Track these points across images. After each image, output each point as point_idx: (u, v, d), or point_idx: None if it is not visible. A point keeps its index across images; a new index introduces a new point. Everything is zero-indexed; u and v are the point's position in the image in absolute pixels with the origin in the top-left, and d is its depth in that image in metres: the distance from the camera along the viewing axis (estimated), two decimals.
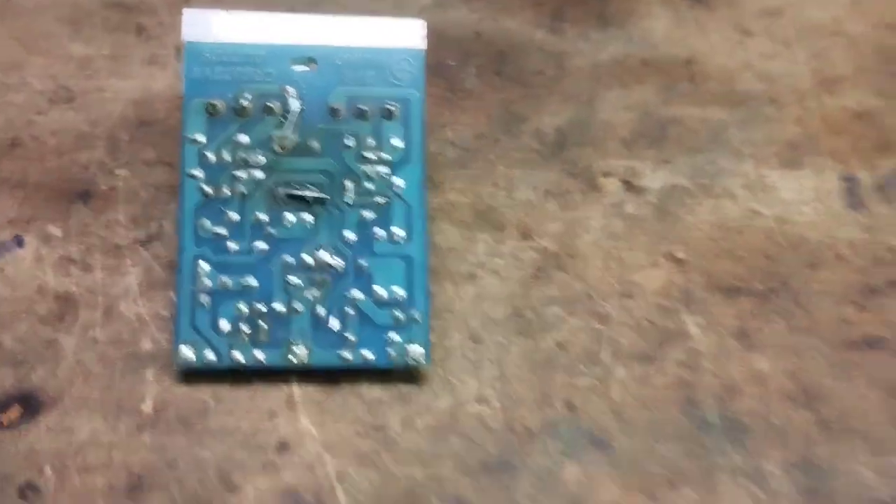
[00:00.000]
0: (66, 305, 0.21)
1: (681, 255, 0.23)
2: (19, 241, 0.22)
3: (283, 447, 0.19)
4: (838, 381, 0.20)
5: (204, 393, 0.19)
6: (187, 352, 0.19)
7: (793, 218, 0.24)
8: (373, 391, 0.20)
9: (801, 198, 0.25)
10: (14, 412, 0.19)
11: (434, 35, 0.28)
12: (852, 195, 0.25)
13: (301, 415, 0.19)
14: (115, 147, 0.24)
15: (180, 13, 0.25)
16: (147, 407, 0.19)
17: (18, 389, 0.19)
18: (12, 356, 0.20)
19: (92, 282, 0.21)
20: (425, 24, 0.21)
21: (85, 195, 0.23)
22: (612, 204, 0.24)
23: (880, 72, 0.28)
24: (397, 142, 0.20)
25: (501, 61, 0.28)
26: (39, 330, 0.20)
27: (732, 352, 0.21)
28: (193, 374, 0.20)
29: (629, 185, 0.25)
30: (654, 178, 0.25)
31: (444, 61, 0.27)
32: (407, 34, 0.20)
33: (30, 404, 0.19)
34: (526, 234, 0.23)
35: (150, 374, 0.20)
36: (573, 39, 0.29)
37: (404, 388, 0.20)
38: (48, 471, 0.18)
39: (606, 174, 0.25)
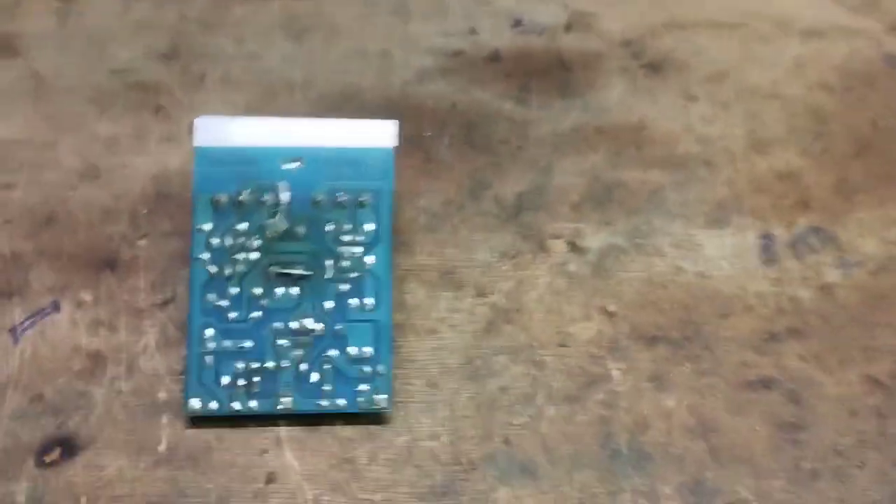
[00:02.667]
0: (96, 362, 0.25)
1: (612, 307, 0.27)
2: (56, 306, 0.27)
3: (271, 478, 0.23)
4: (733, 416, 0.24)
5: (208, 434, 0.24)
6: (195, 403, 0.23)
7: (711, 273, 0.28)
8: (345, 431, 0.24)
9: (722, 254, 0.28)
10: (55, 453, 0.23)
11: (413, 107, 0.32)
12: (767, 251, 0.29)
13: (286, 451, 0.24)
14: (135, 219, 0.29)
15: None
16: (162, 447, 0.24)
17: (58, 434, 0.24)
18: (53, 406, 0.24)
19: (117, 341, 0.26)
20: (397, 123, 0.25)
21: (112, 264, 0.28)
22: (557, 263, 0.28)
23: (809, 132, 0.32)
24: (369, 226, 0.24)
25: (472, 131, 0.32)
26: (75, 383, 0.25)
27: (645, 392, 0.25)
28: (200, 420, 0.24)
29: (573, 246, 0.29)
30: (595, 239, 0.29)
31: (421, 132, 0.31)
32: (380, 134, 0.25)
33: (68, 446, 0.23)
34: (481, 292, 0.27)
35: (164, 419, 0.24)
36: (537, 109, 0.33)
37: (371, 428, 0.24)
38: (84, 501, 0.22)
39: (554, 236, 0.29)
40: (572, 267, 0.28)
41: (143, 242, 0.28)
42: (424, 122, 0.32)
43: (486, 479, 0.23)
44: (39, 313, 0.26)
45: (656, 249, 0.29)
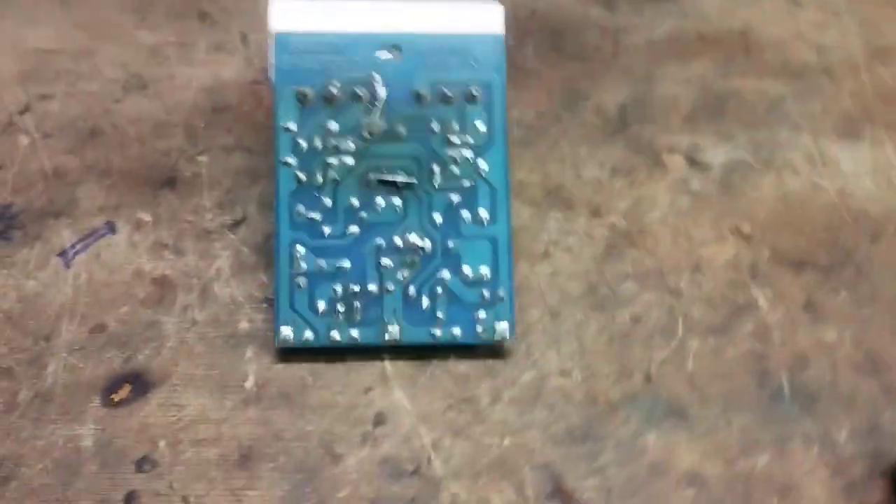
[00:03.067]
0: (163, 288, 0.22)
1: (747, 228, 0.24)
2: (112, 227, 0.23)
3: (379, 420, 0.20)
4: None
5: (302, 370, 0.20)
6: (287, 332, 0.20)
7: (853, 191, 0.25)
8: (461, 366, 0.21)
9: (861, 169, 0.25)
10: (124, 391, 0.20)
11: None
12: None
13: (395, 389, 0.20)
14: (192, 134, 0.25)
15: None
16: (250, 383, 0.20)
17: (126, 369, 0.20)
18: (118, 338, 0.21)
19: (185, 265, 0.22)
20: (503, 8, 0.21)
21: (170, 182, 0.24)
22: (678, 180, 0.25)
23: None
24: (481, 125, 0.21)
25: (557, 38, 0.28)
26: (141, 312, 0.21)
27: (800, 323, 0.22)
28: (290, 353, 0.21)
29: (693, 161, 0.25)
30: (717, 153, 0.25)
31: None
32: (486, 19, 0.21)
33: (139, 383, 0.20)
34: (595, 212, 0.24)
35: (249, 352, 0.21)
36: (627, 14, 0.29)
37: (491, 363, 0.21)
38: (162, 445, 0.19)
39: (670, 150, 0.25)
40: (696, 184, 0.25)
41: (203, 158, 0.25)
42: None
43: (629, 421, 0.20)
44: (93, 234, 0.23)
45: (787, 164, 0.25)
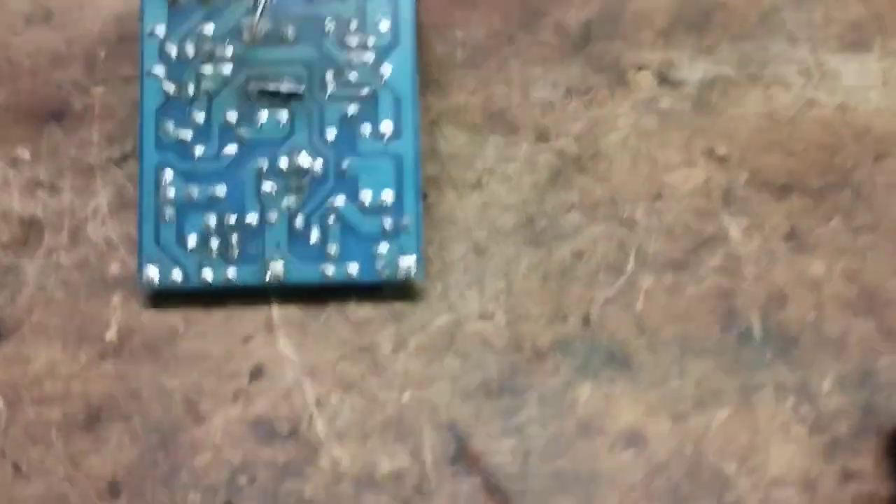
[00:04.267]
0: (30, 230, 0.19)
1: (722, 150, 0.20)
2: None
3: (257, 373, 0.17)
4: None
5: (173, 317, 0.17)
6: (152, 272, 0.17)
7: (856, 105, 0.20)
8: (362, 310, 0.17)
9: (867, 83, 0.21)
10: None
11: None
12: None
13: (280, 337, 0.17)
14: (92, 65, 0.22)
15: None
16: (111, 334, 0.17)
17: None
18: None
19: (59, 204, 0.19)
20: None
21: (58, 115, 0.21)
22: (645, 99, 0.21)
23: None
24: (384, 23, 0.17)
25: None
26: (0, 256, 0.18)
27: (779, 254, 0.18)
28: (163, 298, 0.17)
29: (664, 79, 0.21)
30: (694, 69, 0.21)
31: None
32: None
33: None
34: (542, 136, 0.20)
35: (116, 299, 0.18)
36: None
37: (398, 307, 0.17)
38: (0, 403, 0.16)
39: (638, 67, 0.22)
40: (664, 103, 0.21)
41: (99, 89, 0.22)
42: None
43: (559, 371, 0.16)
44: None
45: (778, 79, 0.21)
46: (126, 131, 0.21)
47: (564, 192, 0.19)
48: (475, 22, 0.23)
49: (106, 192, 0.20)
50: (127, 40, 0.23)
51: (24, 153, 0.21)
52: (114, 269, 0.18)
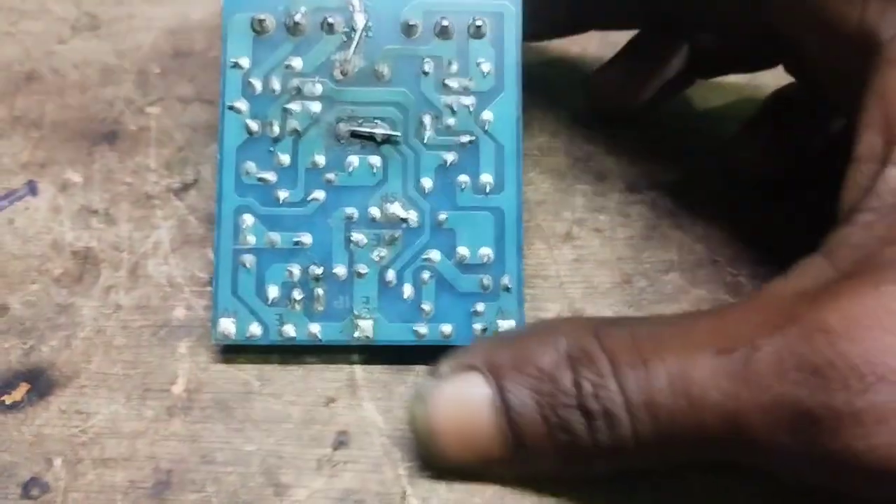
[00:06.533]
0: (84, 264, 0.17)
1: None
2: (32, 188, 0.19)
3: (342, 440, 0.15)
4: None
5: (247, 372, 0.16)
6: (227, 325, 0.15)
7: None
8: None
9: None
10: (20, 391, 0.16)
11: None
12: None
13: (365, 401, 0.16)
14: (145, 82, 0.21)
15: None
16: (179, 388, 0.16)
17: (25, 364, 0.16)
18: (20, 323, 0.17)
19: (116, 237, 0.18)
20: None
21: (111, 136, 0.20)
22: None
23: None
24: (487, 66, 0.16)
25: None
26: (53, 292, 0.17)
27: None
28: (233, 351, 0.16)
29: None
30: None
31: None
32: None
33: (39, 382, 0.16)
34: (633, 187, 0.19)
35: (183, 347, 0.16)
36: None
37: None
38: (58, 463, 0.15)
39: None
40: None
41: (154, 110, 0.20)
42: None
43: None
44: (9, 196, 0.19)
45: None
46: (186, 158, 0.19)
47: (662, 250, 0.18)
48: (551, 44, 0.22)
49: (167, 226, 0.18)
50: (182, 56, 0.22)
51: (76, 177, 0.19)
52: (178, 313, 0.17)
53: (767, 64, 0.18)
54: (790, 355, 0.12)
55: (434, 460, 0.14)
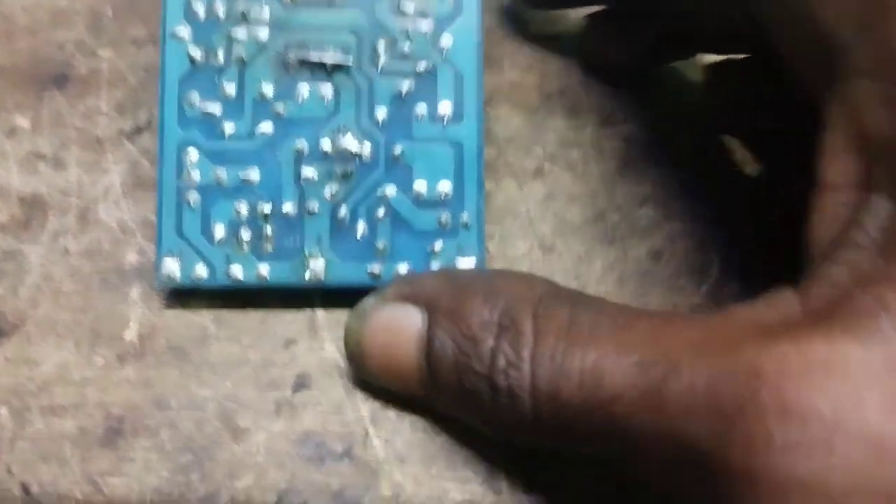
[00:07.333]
0: (32, 209, 0.17)
1: None
2: None
3: (302, 382, 0.15)
4: None
5: (203, 317, 0.15)
6: (172, 266, 0.15)
7: None
8: None
9: None
10: None
11: None
12: None
13: (326, 342, 0.15)
14: (97, 24, 0.20)
15: None
16: (131, 333, 0.15)
17: None
18: None
19: (65, 181, 0.17)
20: None
21: (61, 80, 0.19)
22: None
23: None
24: None
25: None
26: (0, 239, 0.16)
27: None
28: (189, 294, 0.15)
29: None
30: None
31: None
32: None
33: None
34: (606, 121, 0.18)
35: (135, 293, 0.16)
36: None
37: None
38: (4, 412, 0.14)
39: None
40: None
41: (106, 52, 0.19)
42: None
43: None
44: None
45: None
46: (139, 100, 0.19)
47: (634, 184, 0.17)
48: None
49: (119, 170, 0.17)
50: None
51: (23, 122, 0.18)
52: (131, 258, 0.16)
53: (738, 49, 0.17)
54: (707, 390, 0.10)
55: (361, 377, 0.14)
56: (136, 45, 0.20)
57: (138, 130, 0.18)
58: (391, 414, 0.14)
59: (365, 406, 0.14)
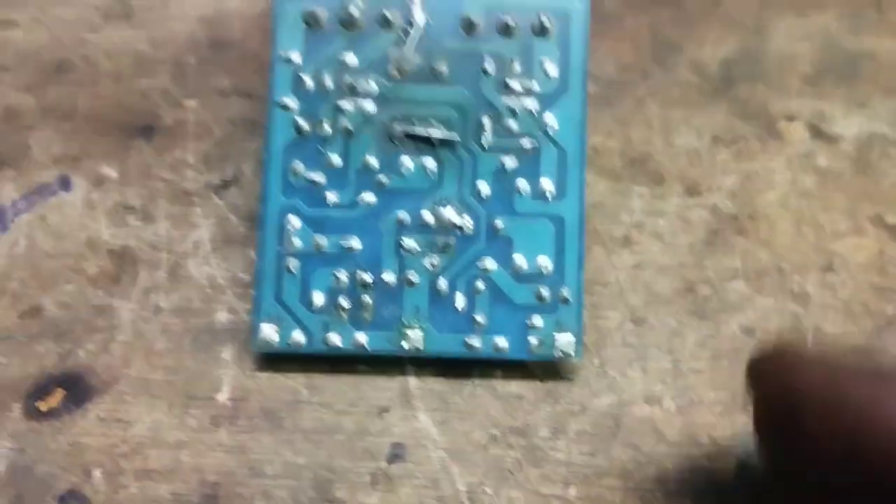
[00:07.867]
0: (122, 263, 0.17)
1: (892, 219, 0.18)
2: (65, 183, 0.18)
3: (397, 453, 0.15)
4: None
5: (295, 380, 0.15)
6: (269, 331, 0.15)
7: None
8: (510, 385, 0.15)
9: None
10: (55, 397, 0.15)
11: None
12: None
13: (419, 412, 0.15)
14: (181, 73, 0.20)
15: None
16: (223, 396, 0.15)
17: (61, 369, 0.15)
18: (55, 326, 0.16)
19: (155, 235, 0.17)
20: None
21: (147, 130, 0.19)
22: (799, 154, 0.19)
23: None
24: (552, 67, 0.15)
25: None
26: (89, 293, 0.16)
27: None
28: (280, 358, 0.15)
29: (817, 132, 0.19)
30: (848, 124, 0.20)
31: None
32: None
33: (76, 388, 0.15)
34: (692, 189, 0.18)
35: (226, 353, 0.16)
36: None
37: (551, 385, 0.15)
38: (97, 475, 0.14)
39: (788, 117, 0.20)
40: (822, 160, 0.19)
41: (191, 103, 0.20)
42: None
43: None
44: (41, 191, 0.18)
45: None
46: (225, 153, 0.19)
47: (725, 255, 0.17)
48: (605, 52, 0.21)
49: (207, 224, 0.17)
50: (219, 46, 0.21)
51: (111, 172, 0.18)
52: (221, 316, 0.16)
53: None
54: None
55: None
56: (222, 95, 0.20)
57: (225, 185, 0.18)
58: (489, 489, 0.14)
59: (462, 480, 0.14)
